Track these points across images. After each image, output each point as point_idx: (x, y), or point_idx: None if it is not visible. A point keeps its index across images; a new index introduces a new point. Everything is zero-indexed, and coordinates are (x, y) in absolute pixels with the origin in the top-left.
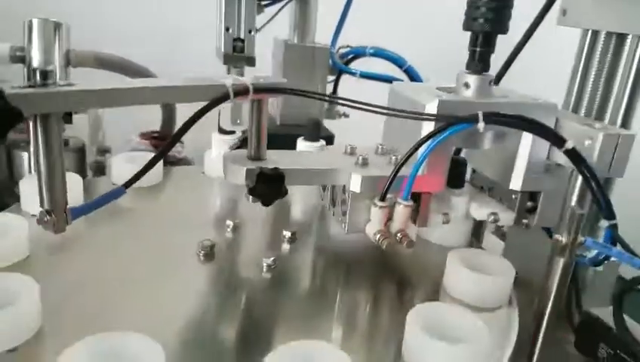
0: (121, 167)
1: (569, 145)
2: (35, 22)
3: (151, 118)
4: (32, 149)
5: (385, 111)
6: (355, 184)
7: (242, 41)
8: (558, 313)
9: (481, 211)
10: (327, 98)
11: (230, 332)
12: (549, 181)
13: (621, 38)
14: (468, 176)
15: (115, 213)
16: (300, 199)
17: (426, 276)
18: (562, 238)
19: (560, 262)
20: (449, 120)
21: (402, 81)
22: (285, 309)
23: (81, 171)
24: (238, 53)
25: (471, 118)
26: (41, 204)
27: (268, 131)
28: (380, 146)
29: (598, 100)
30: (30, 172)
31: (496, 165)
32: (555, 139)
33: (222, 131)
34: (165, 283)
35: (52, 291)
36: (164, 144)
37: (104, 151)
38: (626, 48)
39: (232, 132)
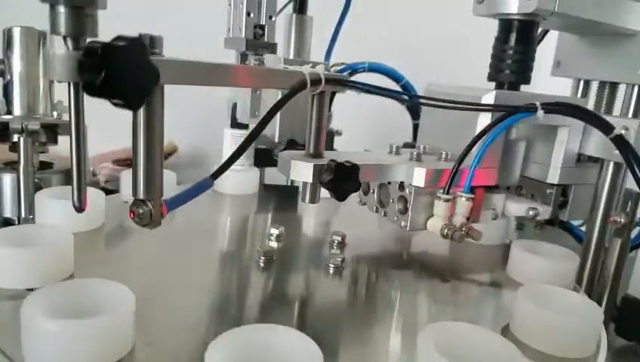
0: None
1: (617, 131)
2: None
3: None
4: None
5: (453, 106)
6: (418, 178)
7: (262, 27)
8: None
9: (519, 207)
10: (400, 95)
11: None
12: (581, 174)
13: (613, 86)
14: None
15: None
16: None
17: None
18: (620, 218)
19: (618, 243)
20: (510, 110)
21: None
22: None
23: None
24: (258, 40)
25: (530, 107)
26: (135, 193)
27: (264, 146)
28: (422, 147)
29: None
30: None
31: (529, 163)
32: (605, 126)
33: (236, 125)
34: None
35: None
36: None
37: (93, 174)
38: (619, 95)
39: (246, 126)
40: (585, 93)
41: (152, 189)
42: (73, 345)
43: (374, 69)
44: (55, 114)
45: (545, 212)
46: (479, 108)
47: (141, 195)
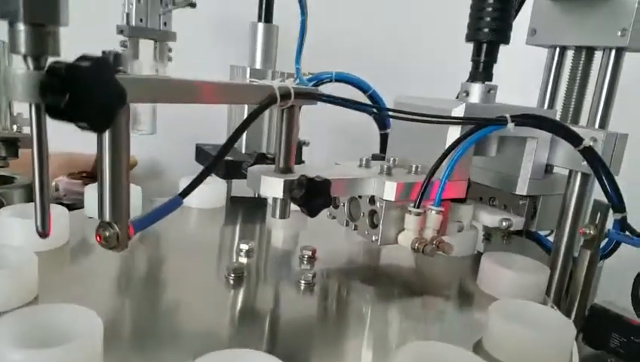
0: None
1: (586, 143)
2: None
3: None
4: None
5: (422, 118)
6: (389, 192)
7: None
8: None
9: (493, 218)
10: (369, 108)
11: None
12: (549, 185)
13: (590, 51)
14: None
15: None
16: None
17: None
18: (590, 231)
19: (587, 254)
20: (480, 122)
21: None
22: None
23: None
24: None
25: (501, 120)
26: (101, 216)
27: (231, 158)
28: (392, 159)
29: (571, 111)
30: None
31: (498, 174)
32: (574, 138)
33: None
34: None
35: None
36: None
37: (55, 188)
38: (596, 60)
39: None
40: (560, 62)
41: (119, 211)
42: None
43: (341, 78)
44: (15, 127)
45: (518, 223)
46: (449, 121)
47: (107, 218)
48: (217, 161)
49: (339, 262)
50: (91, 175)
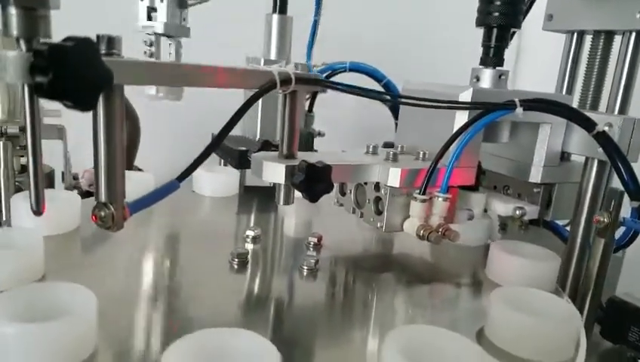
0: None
1: (600, 128)
2: None
3: None
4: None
5: (428, 104)
6: (394, 178)
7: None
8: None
9: (506, 207)
10: (377, 95)
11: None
12: (564, 172)
13: (609, 35)
14: None
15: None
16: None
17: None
18: (604, 218)
19: (601, 243)
20: (488, 107)
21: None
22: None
23: None
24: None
25: (509, 104)
26: (98, 196)
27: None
28: (399, 146)
29: (590, 97)
30: None
31: (512, 162)
32: (587, 123)
33: None
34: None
35: None
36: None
37: (75, 177)
38: (615, 45)
39: None
40: (578, 48)
41: (114, 192)
42: (34, 349)
43: (355, 68)
44: None
45: (532, 211)
46: (457, 106)
47: (103, 198)
48: (216, 144)
49: (347, 250)
50: None
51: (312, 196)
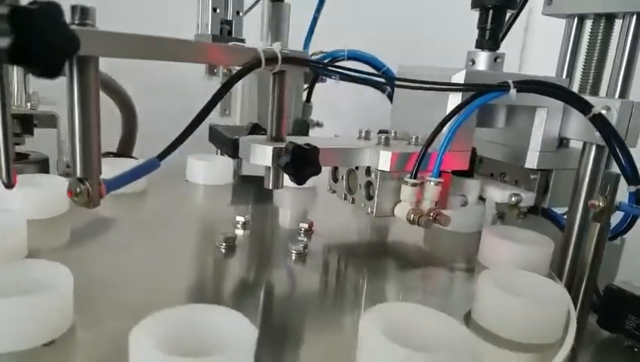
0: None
1: (596, 110)
2: None
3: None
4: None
5: (423, 85)
6: (384, 162)
7: (229, 23)
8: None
9: (502, 193)
10: (368, 78)
11: None
12: (562, 158)
13: (610, 18)
14: None
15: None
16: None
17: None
18: (599, 202)
19: (596, 227)
20: (481, 88)
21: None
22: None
23: None
24: (225, 36)
25: (502, 85)
26: (73, 172)
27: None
28: (393, 131)
29: (590, 82)
30: None
31: (508, 148)
32: (582, 105)
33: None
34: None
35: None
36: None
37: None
38: (615, 31)
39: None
40: (579, 33)
41: (89, 167)
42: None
43: (354, 56)
44: (29, 105)
45: (528, 198)
46: (448, 88)
47: (78, 173)
48: (195, 126)
49: (340, 237)
50: (117, 154)
51: (299, 178)
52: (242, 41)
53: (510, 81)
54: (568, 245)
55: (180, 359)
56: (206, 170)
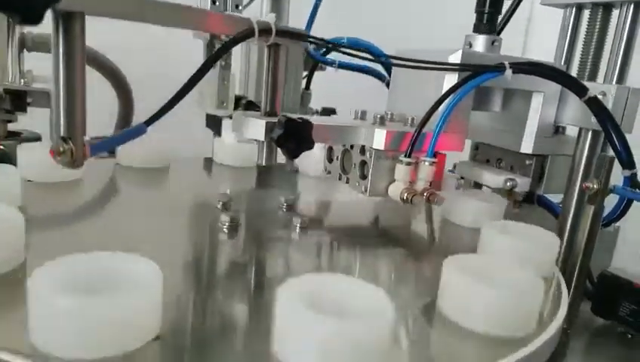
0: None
1: (591, 93)
2: None
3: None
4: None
5: (419, 65)
6: (379, 140)
7: None
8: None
9: (497, 179)
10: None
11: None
12: (557, 144)
13: (608, 7)
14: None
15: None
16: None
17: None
18: (593, 185)
19: (590, 211)
20: (477, 69)
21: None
22: None
23: None
24: None
25: (498, 66)
26: (57, 131)
27: None
28: (389, 113)
29: (588, 70)
30: None
31: (504, 133)
32: (578, 87)
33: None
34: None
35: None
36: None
37: None
38: (613, 21)
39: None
40: (577, 23)
41: (73, 126)
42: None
43: (353, 44)
44: (23, 82)
45: (524, 183)
46: (445, 67)
47: (62, 132)
48: (185, 92)
49: (333, 219)
50: None
51: (291, 152)
52: None
53: (506, 62)
54: (563, 232)
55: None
56: (232, 150)
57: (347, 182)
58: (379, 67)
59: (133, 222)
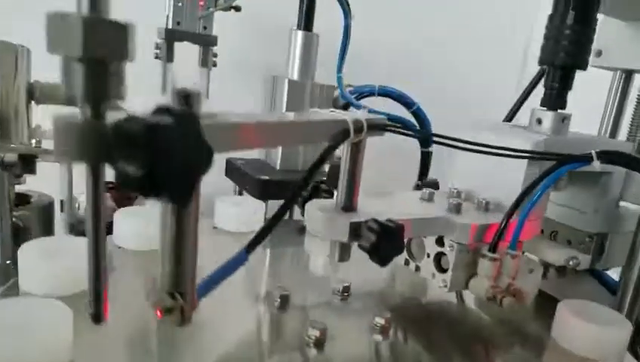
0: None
1: None
2: None
3: None
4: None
5: (498, 151)
6: (463, 234)
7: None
8: None
9: (558, 256)
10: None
11: None
12: (619, 221)
13: None
14: None
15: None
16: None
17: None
18: None
19: None
20: (564, 158)
21: (412, 121)
22: None
23: (48, 232)
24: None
25: (586, 156)
26: (163, 284)
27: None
28: (457, 191)
29: (638, 140)
30: None
31: (563, 208)
32: None
33: None
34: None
35: None
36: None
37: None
38: None
39: None
40: (626, 87)
41: (184, 277)
42: None
43: (384, 93)
44: (33, 142)
45: (585, 261)
46: (531, 156)
47: (169, 287)
48: (290, 204)
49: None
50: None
51: (383, 260)
52: (214, 37)
53: (594, 152)
54: (622, 310)
55: None
56: (235, 215)
57: (417, 270)
58: (409, 116)
59: None
